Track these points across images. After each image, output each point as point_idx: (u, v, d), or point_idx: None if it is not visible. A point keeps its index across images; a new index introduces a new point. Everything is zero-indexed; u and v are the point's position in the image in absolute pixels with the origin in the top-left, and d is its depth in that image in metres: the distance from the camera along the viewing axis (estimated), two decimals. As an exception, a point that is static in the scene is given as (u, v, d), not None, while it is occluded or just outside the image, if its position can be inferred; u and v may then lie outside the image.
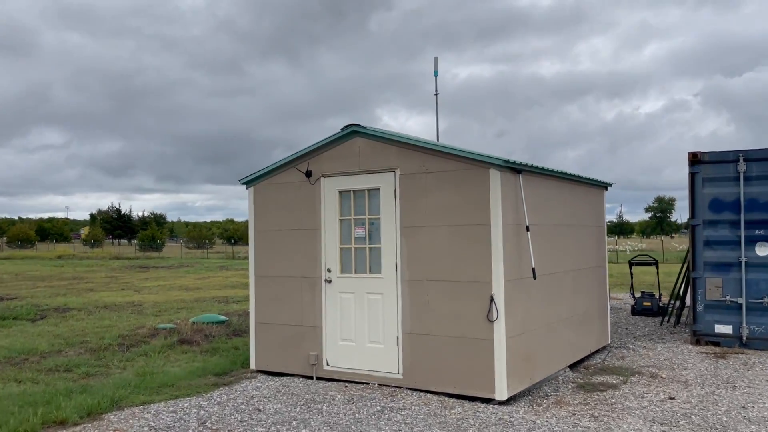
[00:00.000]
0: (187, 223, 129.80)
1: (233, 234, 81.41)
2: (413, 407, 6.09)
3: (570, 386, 6.91)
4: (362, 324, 7.06)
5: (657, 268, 12.76)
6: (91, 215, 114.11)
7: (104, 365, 8.52)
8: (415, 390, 6.63)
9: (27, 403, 6.34)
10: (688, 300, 10.94)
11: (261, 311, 7.80)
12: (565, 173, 7.67)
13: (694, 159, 9.13)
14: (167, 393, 6.84)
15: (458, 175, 6.44)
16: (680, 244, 39.29)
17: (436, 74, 11.02)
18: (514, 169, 6.50)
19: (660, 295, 12.64)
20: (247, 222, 8.34)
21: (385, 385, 6.84)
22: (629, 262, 12.80)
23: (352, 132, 7.12)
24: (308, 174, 7.43)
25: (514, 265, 6.42)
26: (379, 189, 6.99)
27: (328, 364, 7.27)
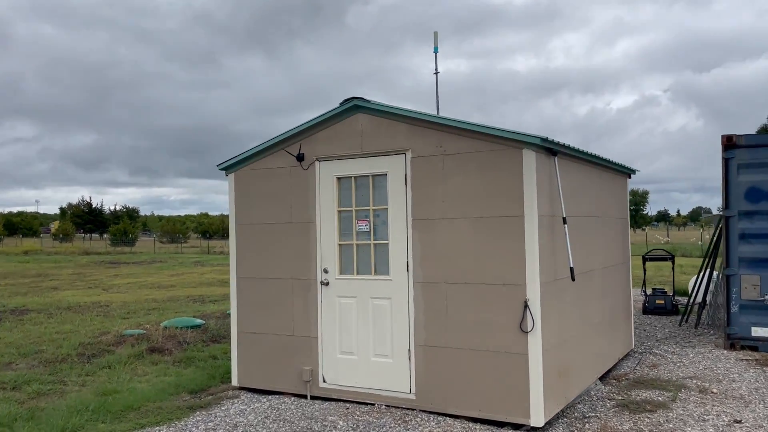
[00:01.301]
0: (160, 217, 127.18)
1: (208, 228, 79.63)
2: (433, 437, 5.03)
3: (608, 405, 5.91)
4: (366, 334, 5.98)
5: (673, 263, 11.88)
6: (61, 209, 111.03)
7: (60, 381, 7.31)
8: (431, 413, 5.57)
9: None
10: (709, 298, 10.06)
11: (244, 318, 6.67)
12: (597, 156, 6.66)
13: (729, 143, 8.19)
14: (131, 420, 5.68)
15: (484, 157, 5.38)
16: (662, 236, 38.93)
17: (436, 50, 9.93)
18: (549, 149, 5.46)
19: (674, 292, 11.78)
20: (222, 216, 7.18)
21: (395, 407, 5.77)
22: (643, 257, 11.92)
23: (353, 107, 6.01)
24: (300, 157, 6.30)
25: (549, 265, 5.39)
26: (386, 175, 5.90)
27: (325, 381, 6.17)
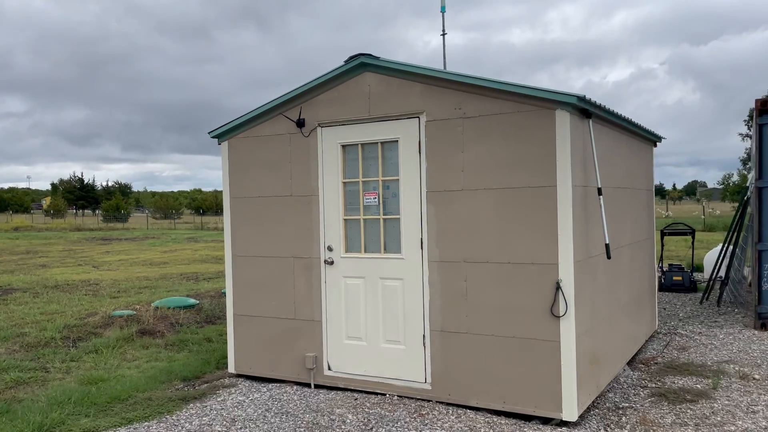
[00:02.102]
0: (153, 193, 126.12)
1: (201, 204, 78.90)
2: (454, 434, 4.51)
3: (642, 394, 5.39)
4: (375, 318, 5.41)
5: (693, 237, 11.34)
6: (53, 185, 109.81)
7: (42, 368, 6.75)
8: (449, 405, 5.04)
9: None
10: (732, 274, 9.54)
11: (241, 300, 6.09)
12: (629, 121, 6.05)
13: (763, 107, 7.58)
14: (118, 414, 5.13)
15: (510, 119, 4.76)
16: (663, 210, 38.49)
17: (443, 10, 9.25)
18: (584, 111, 4.84)
19: (693, 268, 11.27)
20: (216, 192, 6.55)
21: (408, 398, 5.24)
22: (662, 231, 11.36)
23: (359, 65, 5.36)
24: (300, 123, 5.67)
25: (582, 241, 4.81)
26: (397, 141, 5.28)
27: (330, 369, 5.62)
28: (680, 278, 10.56)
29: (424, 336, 5.18)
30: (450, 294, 5.04)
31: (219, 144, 6.16)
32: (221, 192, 6.55)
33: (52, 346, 7.65)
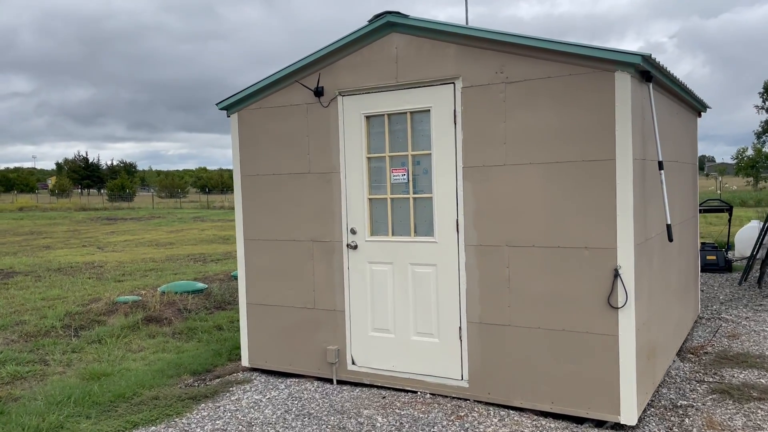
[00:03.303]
0: (159, 172, 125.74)
1: (207, 183, 78.45)
2: (499, 440, 4.00)
3: (700, 389, 4.87)
4: (405, 308, 4.89)
5: (730, 214, 10.75)
6: (58, 164, 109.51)
7: (41, 360, 6.27)
8: (489, 405, 4.53)
9: None
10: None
11: (254, 288, 5.57)
12: (684, 86, 5.44)
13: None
14: (122, 416, 4.64)
15: (560, 84, 4.17)
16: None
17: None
18: (644, 73, 4.24)
19: (729, 246, 10.69)
20: (221, 171, 6.03)
21: (442, 396, 4.73)
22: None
23: (385, 25, 4.76)
24: (319, 92, 5.09)
25: (641, 222, 4.25)
26: (428, 111, 4.70)
27: (354, 364, 5.11)
28: (714, 257, 9.99)
29: (460, 328, 4.65)
30: (490, 282, 4.50)
31: (228, 116, 5.59)
32: (227, 171, 6.03)
33: (53, 335, 7.18)
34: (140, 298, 8.66)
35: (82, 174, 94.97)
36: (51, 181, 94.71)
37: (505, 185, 4.40)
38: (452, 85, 4.56)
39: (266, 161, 5.41)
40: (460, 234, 4.60)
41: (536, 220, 4.30)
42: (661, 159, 4.36)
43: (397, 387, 4.93)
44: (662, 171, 4.36)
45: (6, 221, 30.82)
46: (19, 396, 5.23)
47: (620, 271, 4.04)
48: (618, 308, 4.06)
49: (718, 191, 32.79)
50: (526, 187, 4.32)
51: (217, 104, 5.60)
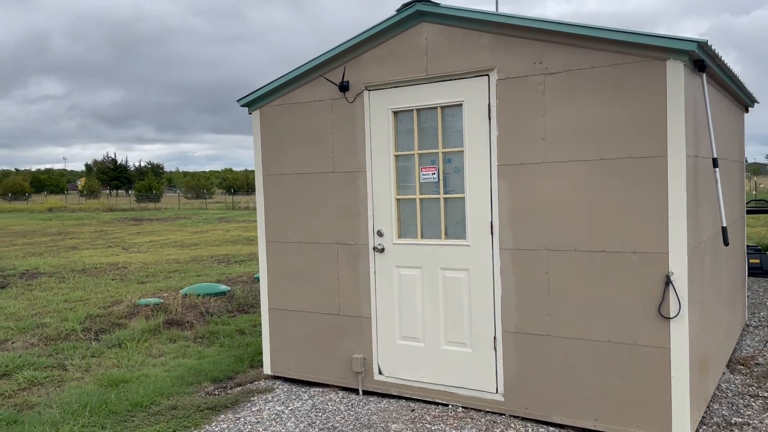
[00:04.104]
0: (185, 173, 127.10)
1: (232, 183, 78.99)
2: (538, 460, 3.68)
3: (755, 405, 4.49)
4: (435, 316, 4.59)
5: (775, 216, 10.25)
6: (87, 166, 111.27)
7: (59, 365, 6.12)
8: (527, 420, 4.22)
9: None
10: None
11: (277, 293, 5.33)
12: (736, 78, 5.06)
13: None
14: (138, 427, 4.42)
15: (605, 74, 3.84)
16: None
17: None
18: (698, 62, 3.89)
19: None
20: (246, 171, 5.79)
21: (475, 410, 4.43)
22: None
23: (414, 14, 4.48)
24: (344, 86, 4.83)
25: (693, 225, 3.90)
26: (460, 105, 4.40)
27: (381, 373, 4.84)
28: (757, 261, 9.50)
29: (494, 338, 4.34)
30: (527, 288, 4.18)
31: (250, 113, 5.36)
32: (252, 172, 5.79)
33: (73, 339, 7.03)
34: (162, 300, 8.50)
35: (111, 175, 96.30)
36: (80, 182, 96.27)
37: (544, 184, 4.08)
38: (486, 77, 4.26)
39: (289, 160, 5.16)
40: (494, 237, 4.30)
41: (578, 223, 3.98)
42: (715, 155, 4.01)
43: (427, 399, 4.64)
44: (717, 169, 4.01)
45: (35, 222, 31.22)
46: (35, 403, 5.06)
47: (672, 278, 3.70)
48: (670, 318, 3.72)
49: (753, 191, 31.85)
50: (567, 187, 4.01)
51: (238, 100, 5.37)
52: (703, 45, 3.62)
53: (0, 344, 6.89)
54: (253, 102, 5.29)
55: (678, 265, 3.69)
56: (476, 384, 4.42)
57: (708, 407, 4.46)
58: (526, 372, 4.22)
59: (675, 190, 3.67)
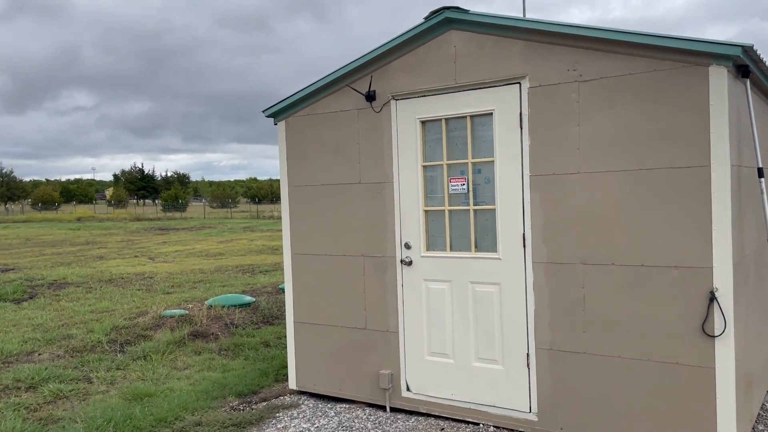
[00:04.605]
0: (210, 182, 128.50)
1: (257, 193, 79.58)
2: (576, 485, 3.51)
3: (805, 427, 4.26)
4: (465, 331, 4.45)
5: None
6: (115, 176, 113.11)
7: (85, 378, 6.09)
8: (562, 442, 4.05)
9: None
10: None
11: (302, 306, 5.23)
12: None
13: None
14: (163, 444, 4.35)
15: (643, 81, 3.69)
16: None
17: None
18: (741, 68, 3.72)
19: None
20: (271, 181, 5.73)
21: (508, 429, 4.27)
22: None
23: (443, 21, 4.37)
24: (370, 96, 4.73)
25: (738, 238, 3.71)
26: (490, 114, 4.28)
27: (409, 390, 4.71)
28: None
29: (528, 355, 4.18)
30: (562, 304, 4.03)
31: (275, 124, 5.29)
32: (276, 181, 5.71)
33: (98, 351, 7.02)
34: (187, 312, 8.47)
35: (138, 185, 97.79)
36: (108, 192, 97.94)
37: (579, 196, 3.93)
38: (518, 85, 4.13)
39: (314, 170, 5.08)
40: (527, 250, 4.15)
41: (615, 235, 3.81)
42: (760, 165, 3.82)
43: (457, 417, 4.49)
44: (762, 179, 3.82)
45: (64, 231, 31.71)
46: (60, 417, 5.02)
47: (717, 294, 3.52)
48: (715, 336, 3.54)
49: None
50: (603, 198, 3.85)
51: (263, 111, 5.31)
52: (748, 49, 3.44)
53: (27, 356, 6.91)
54: (279, 113, 5.23)
55: (723, 281, 3.51)
56: (508, 403, 4.26)
57: (753, 429, 4.24)
58: (561, 391, 4.05)
59: (719, 202, 3.50)
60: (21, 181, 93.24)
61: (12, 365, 6.52)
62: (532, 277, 4.13)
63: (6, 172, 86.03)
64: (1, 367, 6.45)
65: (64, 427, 4.74)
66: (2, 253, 20.18)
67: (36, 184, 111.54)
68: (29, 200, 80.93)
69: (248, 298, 9.19)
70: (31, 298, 10.86)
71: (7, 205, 78.06)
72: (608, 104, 3.80)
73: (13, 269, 15.22)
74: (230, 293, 9.93)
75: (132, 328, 7.89)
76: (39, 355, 6.94)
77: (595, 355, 3.92)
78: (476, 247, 4.41)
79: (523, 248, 4.17)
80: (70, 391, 5.67)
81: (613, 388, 3.87)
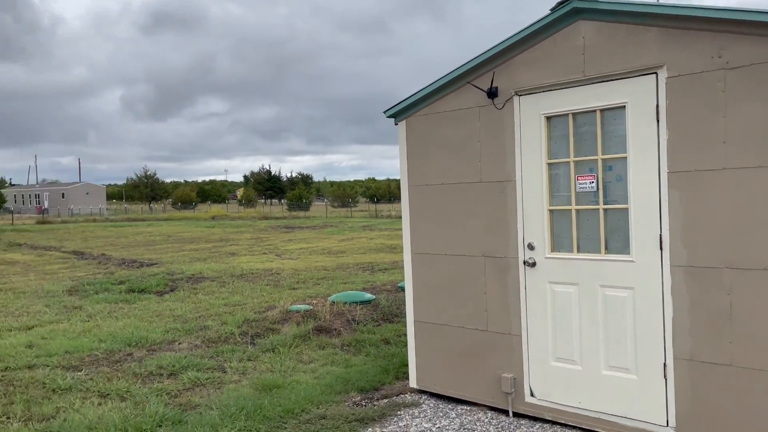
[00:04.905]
0: (332, 183, 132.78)
1: (375, 192, 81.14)
2: None
3: None
4: (594, 337, 4.23)
5: None
6: (245, 177, 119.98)
7: (219, 367, 6.47)
8: (704, 461, 3.73)
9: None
10: None
11: (422, 305, 5.23)
12: None
13: None
14: (289, 435, 4.52)
15: (804, 65, 3.30)
16: None
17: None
18: None
19: None
20: (389, 181, 5.80)
21: (641, 443, 4.00)
22: None
23: (571, 12, 4.17)
24: (492, 93, 4.62)
25: None
26: (623, 107, 4.03)
27: (533, 396, 4.55)
28: None
29: (665, 364, 3.90)
30: (704, 311, 3.71)
31: (396, 124, 5.33)
32: (393, 180, 5.78)
33: (231, 342, 7.44)
34: (311, 307, 8.77)
35: (266, 185, 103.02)
36: (239, 192, 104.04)
37: (725, 193, 3.60)
38: (654, 75, 3.85)
39: (435, 170, 5.05)
40: (664, 252, 3.86)
41: (767, 237, 3.45)
42: None
43: (584, 427, 4.28)
44: None
45: (200, 229, 34.09)
46: (197, 404, 5.36)
47: None
48: None
49: None
50: (753, 196, 3.50)
51: (384, 112, 5.36)
52: None
53: (169, 344, 7.46)
54: (399, 113, 5.25)
55: None
56: (642, 414, 4.00)
57: None
58: (703, 404, 3.73)
59: None
60: (163, 182, 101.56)
61: (156, 353, 7.07)
62: (671, 281, 3.84)
63: (150, 175, 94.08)
64: (147, 354, 7.02)
65: (201, 413, 5.05)
66: (147, 248, 22.05)
67: (176, 185, 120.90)
68: (170, 200, 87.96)
69: (369, 296, 9.36)
70: (171, 290, 11.74)
71: (151, 205, 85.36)
72: (759, 93, 3.45)
73: (156, 263, 16.56)
74: (351, 290, 10.17)
75: (261, 321, 8.30)
76: (179, 344, 7.47)
77: (743, 368, 3.57)
78: (607, 248, 4.18)
79: (659, 250, 3.89)
80: (206, 380, 6.05)
81: (762, 405, 3.51)
